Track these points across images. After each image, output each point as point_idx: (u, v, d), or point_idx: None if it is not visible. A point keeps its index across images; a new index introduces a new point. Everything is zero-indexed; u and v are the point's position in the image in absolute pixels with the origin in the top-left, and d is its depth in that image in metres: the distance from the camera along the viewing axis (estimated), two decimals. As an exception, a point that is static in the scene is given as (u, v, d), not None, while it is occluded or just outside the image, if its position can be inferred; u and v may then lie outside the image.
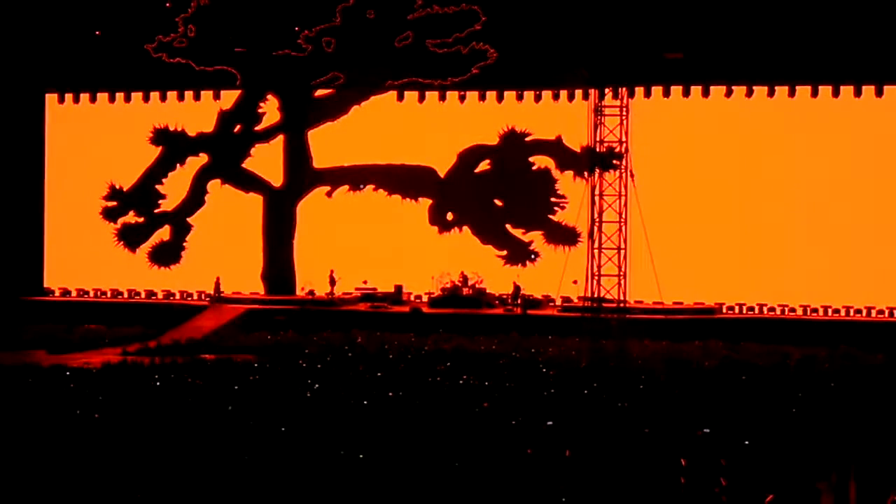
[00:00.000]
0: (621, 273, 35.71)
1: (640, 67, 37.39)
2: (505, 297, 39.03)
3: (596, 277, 35.71)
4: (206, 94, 41.58)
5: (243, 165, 41.64)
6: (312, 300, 38.91)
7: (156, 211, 42.05)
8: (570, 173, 39.54)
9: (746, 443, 16.22)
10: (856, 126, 37.46)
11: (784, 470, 15.41)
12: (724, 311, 37.99)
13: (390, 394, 20.77)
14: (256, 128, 41.69)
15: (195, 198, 41.87)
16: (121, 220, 42.08)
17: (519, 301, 38.15)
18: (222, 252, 41.25)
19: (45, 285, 42.66)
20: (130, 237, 42.08)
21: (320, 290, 39.53)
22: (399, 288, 39.83)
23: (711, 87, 38.47)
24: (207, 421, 17.59)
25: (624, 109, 36.59)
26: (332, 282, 39.63)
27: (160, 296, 41.60)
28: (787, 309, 37.71)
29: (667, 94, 38.82)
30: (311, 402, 19.85)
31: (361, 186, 40.97)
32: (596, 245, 36.04)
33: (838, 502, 15.60)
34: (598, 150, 36.60)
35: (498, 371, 25.42)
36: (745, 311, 37.95)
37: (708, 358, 28.88)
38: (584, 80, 37.92)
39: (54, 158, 42.95)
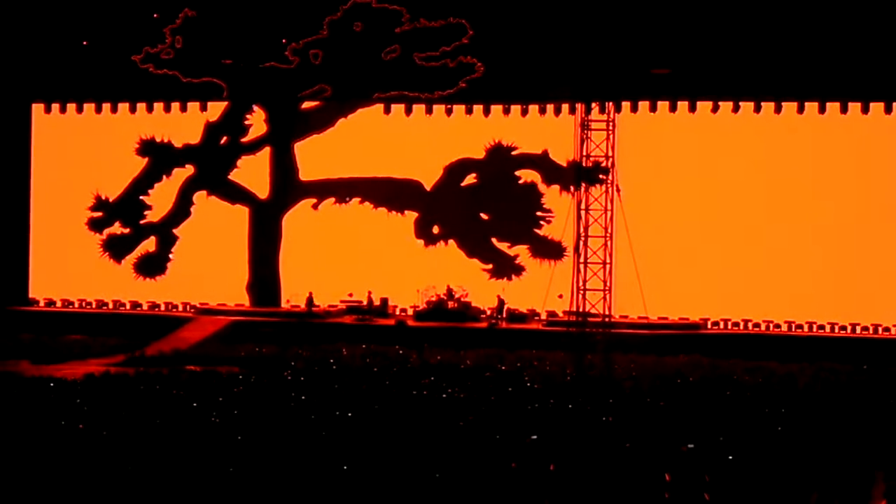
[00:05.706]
0: (607, 288, 35.71)
1: (627, 82, 37.45)
2: (491, 310, 39.05)
3: (581, 292, 35.69)
4: (193, 106, 41.51)
5: (229, 177, 41.57)
6: (312, 312, 38.71)
7: (141, 222, 41.94)
8: (556, 187, 39.55)
9: (730, 458, 16.25)
10: (841, 143, 37.51)
11: (768, 485, 15.44)
12: (709, 326, 38.02)
13: (375, 406, 20.76)
14: (243, 140, 41.63)
15: (181, 209, 41.79)
16: (106, 231, 41.95)
17: (503, 315, 38.19)
18: (208, 264, 41.16)
19: (30, 295, 42.47)
20: (116, 248, 41.96)
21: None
22: (384, 301, 39.76)
23: (698, 103, 38.50)
24: (192, 432, 17.56)
25: (610, 124, 36.61)
26: (371, 303, 39.39)
27: (145, 307, 41.49)
28: (771, 325, 37.75)
29: (653, 109, 38.87)
30: (295, 414, 19.83)
31: (347, 199, 40.92)
32: (581, 259, 36.03)
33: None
34: (584, 164, 36.61)
35: (483, 385, 25.42)
36: (729, 327, 37.98)
37: (692, 373, 28.90)
38: (568, 94, 38.04)
39: (40, 169, 42.79)
